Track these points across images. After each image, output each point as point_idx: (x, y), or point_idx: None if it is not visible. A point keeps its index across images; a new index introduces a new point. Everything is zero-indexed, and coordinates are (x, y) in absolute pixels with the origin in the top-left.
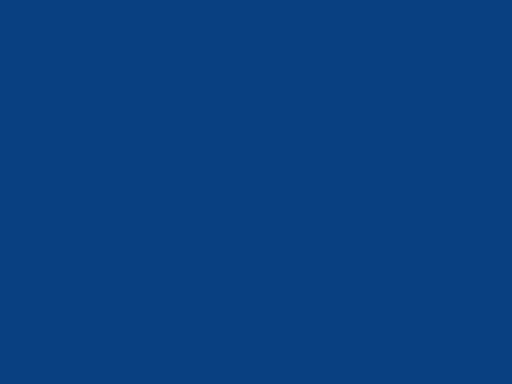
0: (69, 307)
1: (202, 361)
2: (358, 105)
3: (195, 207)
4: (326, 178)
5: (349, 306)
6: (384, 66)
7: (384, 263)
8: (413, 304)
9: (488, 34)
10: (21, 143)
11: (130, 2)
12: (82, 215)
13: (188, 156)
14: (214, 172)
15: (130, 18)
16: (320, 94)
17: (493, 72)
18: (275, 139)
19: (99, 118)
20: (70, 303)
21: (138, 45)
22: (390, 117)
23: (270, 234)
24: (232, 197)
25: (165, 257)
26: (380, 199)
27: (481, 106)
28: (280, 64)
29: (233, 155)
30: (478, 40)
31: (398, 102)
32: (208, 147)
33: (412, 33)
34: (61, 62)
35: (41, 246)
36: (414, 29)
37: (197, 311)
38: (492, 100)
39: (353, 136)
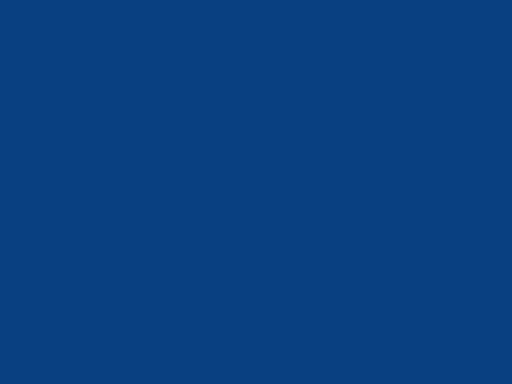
0: (69, 307)
1: (202, 361)
2: (358, 105)
3: (195, 207)
4: (326, 178)
5: (349, 305)
6: (384, 66)
7: (384, 263)
8: (413, 304)
9: (488, 34)
10: (21, 143)
11: (130, 2)
12: (81, 215)
13: (188, 156)
14: (213, 172)
15: (130, 18)
16: (320, 94)
17: (493, 72)
18: (275, 139)
19: (99, 118)
20: (70, 303)
21: (138, 45)
22: (390, 117)
23: (270, 234)
24: (232, 197)
25: (165, 257)
26: (380, 199)
27: (481, 106)
28: (280, 64)
29: (233, 155)
30: (478, 40)
31: (398, 102)
32: (208, 147)
33: (412, 33)
34: (61, 62)
35: (41, 245)
36: (414, 29)
37: (197, 311)
38: (492, 100)
39: (353, 136)
